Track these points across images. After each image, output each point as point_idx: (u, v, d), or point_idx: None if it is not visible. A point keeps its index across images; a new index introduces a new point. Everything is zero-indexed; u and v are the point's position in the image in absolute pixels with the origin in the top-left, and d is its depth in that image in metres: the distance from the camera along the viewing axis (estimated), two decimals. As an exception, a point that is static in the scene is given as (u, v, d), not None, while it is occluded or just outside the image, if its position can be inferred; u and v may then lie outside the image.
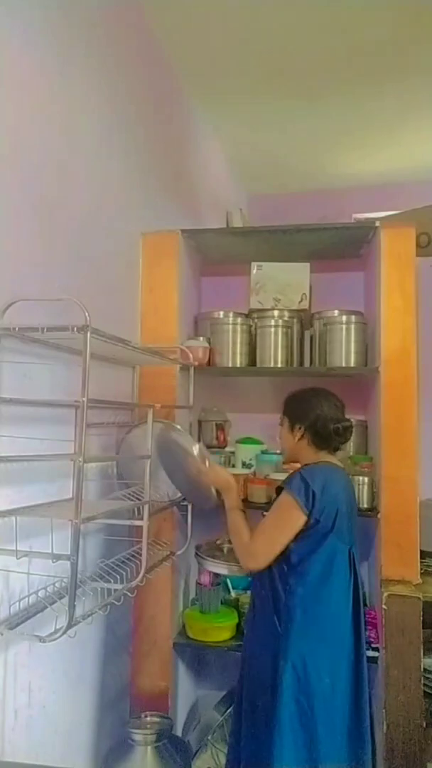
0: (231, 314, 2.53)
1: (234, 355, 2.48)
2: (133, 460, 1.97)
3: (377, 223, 2.29)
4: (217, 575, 2.36)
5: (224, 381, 2.76)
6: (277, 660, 1.67)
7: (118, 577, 1.67)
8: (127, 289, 2.25)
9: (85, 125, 1.87)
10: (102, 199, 1.99)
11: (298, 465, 1.89)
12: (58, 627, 1.36)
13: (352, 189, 4.00)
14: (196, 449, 1.97)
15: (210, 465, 1.96)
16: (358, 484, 2.24)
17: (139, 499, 1.79)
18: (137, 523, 1.70)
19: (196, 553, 2.21)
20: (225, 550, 2.28)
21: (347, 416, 1.91)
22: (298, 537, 1.70)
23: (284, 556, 1.72)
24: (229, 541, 2.07)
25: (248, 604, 1.98)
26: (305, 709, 1.63)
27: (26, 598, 1.47)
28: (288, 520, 1.70)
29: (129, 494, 1.89)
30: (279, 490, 1.80)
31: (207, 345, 2.45)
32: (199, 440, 2.68)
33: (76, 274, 1.79)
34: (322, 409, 1.83)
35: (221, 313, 2.54)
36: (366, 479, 2.25)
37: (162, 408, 1.92)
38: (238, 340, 2.48)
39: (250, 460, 2.54)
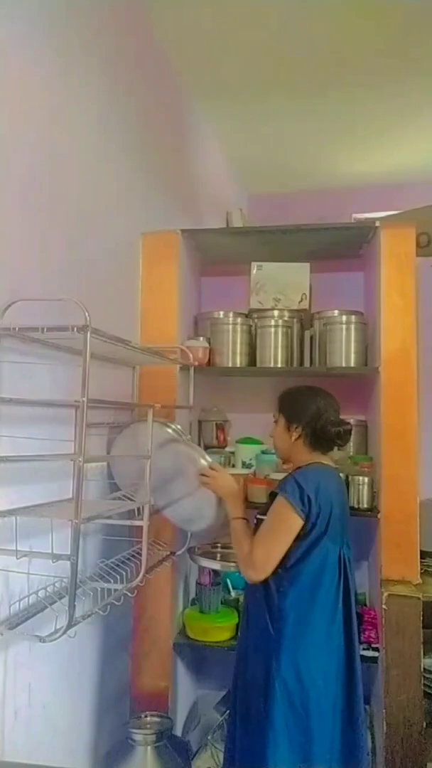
0: (231, 314, 2.53)
1: (234, 355, 2.47)
2: (130, 460, 1.97)
3: (377, 223, 2.29)
4: (216, 575, 2.37)
5: (224, 381, 2.76)
6: (270, 662, 1.66)
7: (118, 577, 1.67)
8: (127, 289, 2.25)
9: (86, 125, 1.87)
10: (102, 199, 1.99)
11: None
12: (58, 627, 1.36)
13: (352, 189, 4.01)
14: (204, 461, 1.93)
15: (218, 469, 1.92)
16: (358, 484, 2.25)
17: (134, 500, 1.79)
18: (137, 523, 1.70)
19: (190, 554, 2.23)
20: (219, 546, 2.31)
21: (348, 416, 1.90)
22: (294, 541, 1.69)
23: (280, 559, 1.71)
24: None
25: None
26: (299, 710, 1.63)
27: (26, 598, 1.47)
28: (286, 527, 1.68)
29: (128, 494, 1.89)
30: (272, 495, 1.77)
31: (207, 345, 2.45)
32: (199, 440, 2.68)
33: (76, 274, 1.79)
34: (321, 409, 1.80)
35: (221, 313, 2.54)
36: (366, 479, 2.25)
37: (162, 408, 1.92)
38: (238, 340, 2.48)
39: (250, 460, 2.54)
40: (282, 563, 1.69)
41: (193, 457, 1.93)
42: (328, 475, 1.78)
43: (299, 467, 1.80)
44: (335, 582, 1.72)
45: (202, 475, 1.89)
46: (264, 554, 1.69)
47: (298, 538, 1.68)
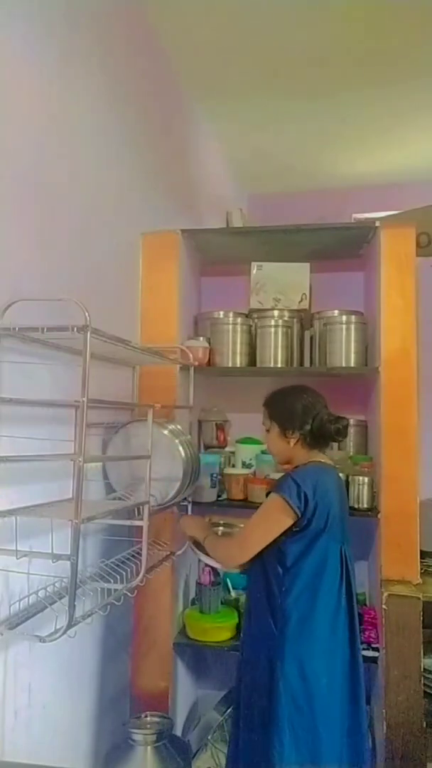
0: (231, 314, 2.53)
1: (234, 355, 2.48)
2: (128, 460, 1.96)
3: (377, 223, 2.29)
4: (217, 575, 2.37)
5: (224, 381, 2.76)
6: (273, 662, 1.66)
7: (118, 577, 1.67)
8: (127, 289, 2.25)
9: (86, 125, 1.87)
10: (102, 199, 1.99)
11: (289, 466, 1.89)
12: (58, 627, 1.36)
13: (352, 189, 4.00)
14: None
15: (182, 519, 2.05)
16: (358, 484, 2.25)
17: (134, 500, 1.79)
18: (137, 523, 1.70)
19: (191, 545, 2.21)
20: (219, 532, 2.28)
21: (348, 417, 1.90)
22: (292, 538, 1.69)
23: (279, 557, 1.71)
24: (223, 525, 2.13)
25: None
26: (305, 710, 1.62)
27: (26, 598, 1.47)
28: (274, 520, 1.70)
29: (127, 494, 1.89)
30: (269, 495, 1.78)
31: (207, 345, 2.45)
32: (199, 440, 2.68)
33: (76, 274, 1.79)
34: (311, 408, 1.82)
35: (221, 313, 2.54)
36: (366, 479, 2.25)
37: (162, 408, 1.92)
38: (238, 340, 2.48)
39: (250, 460, 2.54)
40: (284, 562, 1.70)
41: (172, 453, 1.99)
42: (327, 473, 1.79)
43: (296, 467, 1.81)
44: (337, 580, 1.72)
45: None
46: (247, 538, 1.75)
47: (296, 534, 1.69)
